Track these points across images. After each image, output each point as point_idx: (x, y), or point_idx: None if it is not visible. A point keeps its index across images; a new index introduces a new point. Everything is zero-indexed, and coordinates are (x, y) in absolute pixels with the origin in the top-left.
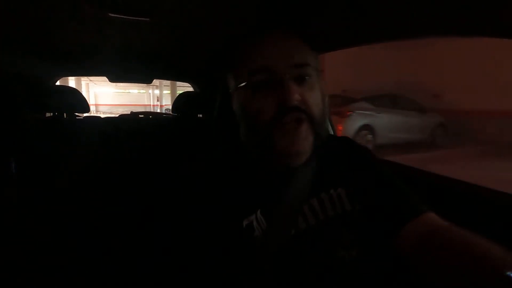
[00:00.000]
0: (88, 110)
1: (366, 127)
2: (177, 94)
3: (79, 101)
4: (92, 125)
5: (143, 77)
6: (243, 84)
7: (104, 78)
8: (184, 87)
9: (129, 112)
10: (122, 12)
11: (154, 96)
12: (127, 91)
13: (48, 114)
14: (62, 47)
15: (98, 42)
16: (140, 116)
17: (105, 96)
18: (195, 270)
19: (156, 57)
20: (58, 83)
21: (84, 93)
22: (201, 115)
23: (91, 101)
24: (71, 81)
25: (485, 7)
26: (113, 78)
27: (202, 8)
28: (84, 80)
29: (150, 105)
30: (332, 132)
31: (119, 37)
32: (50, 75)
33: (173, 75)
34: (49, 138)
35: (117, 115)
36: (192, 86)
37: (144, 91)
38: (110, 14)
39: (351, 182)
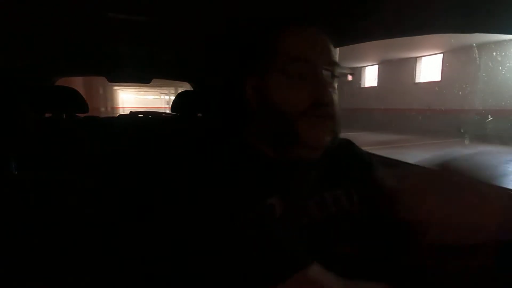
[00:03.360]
0: (87, 110)
1: None
2: None
3: (78, 102)
4: (91, 125)
5: (142, 76)
6: (276, 72)
7: (129, 85)
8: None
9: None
10: (121, 12)
11: (165, 101)
12: (145, 96)
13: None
14: (61, 47)
15: (97, 42)
16: (139, 115)
17: (129, 101)
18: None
19: (155, 56)
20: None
21: (115, 97)
22: (200, 114)
23: (119, 104)
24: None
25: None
26: (113, 78)
27: (202, 6)
28: (115, 87)
29: (162, 107)
30: None
31: (118, 37)
32: (49, 75)
33: (172, 75)
34: (49, 138)
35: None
36: (192, 86)
37: (158, 96)
38: (109, 14)
39: (349, 185)
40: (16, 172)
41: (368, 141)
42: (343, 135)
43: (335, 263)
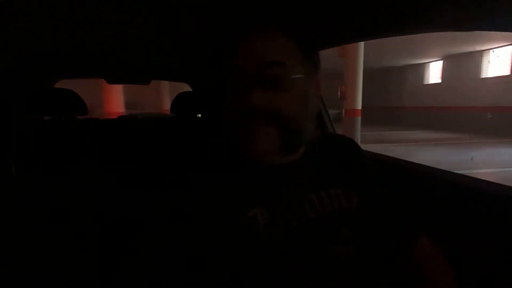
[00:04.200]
0: (86, 112)
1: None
2: None
3: (77, 104)
4: (91, 127)
5: (141, 77)
6: (221, 83)
7: None
8: None
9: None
10: (119, 13)
11: None
12: None
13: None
14: (59, 49)
15: (95, 44)
16: (139, 117)
17: None
18: (198, 263)
19: (153, 57)
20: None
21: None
22: (200, 115)
23: None
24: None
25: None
26: (111, 80)
27: (200, 7)
28: None
29: None
30: (331, 128)
31: (116, 39)
32: (48, 78)
33: (171, 76)
34: (48, 141)
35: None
36: (191, 87)
37: None
38: (107, 15)
39: (349, 185)
40: (16, 174)
41: (415, 138)
42: (395, 132)
43: (333, 263)
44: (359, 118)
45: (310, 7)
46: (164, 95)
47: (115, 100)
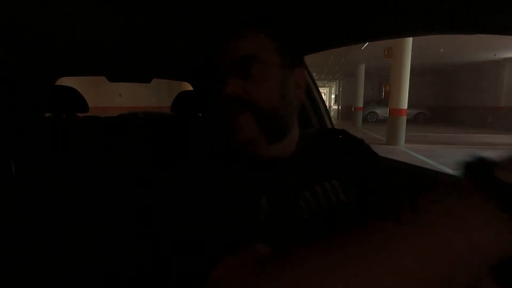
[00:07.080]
0: (86, 110)
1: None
2: None
3: (78, 101)
4: (91, 125)
5: (142, 76)
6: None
7: None
8: None
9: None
10: (120, 12)
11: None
12: None
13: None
14: (60, 47)
15: (96, 42)
16: (140, 115)
17: None
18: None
19: (154, 56)
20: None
21: None
22: (200, 114)
23: None
24: None
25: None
26: (112, 78)
27: (201, 6)
28: None
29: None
30: (330, 125)
31: (117, 37)
32: (48, 75)
33: (172, 74)
34: (48, 138)
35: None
36: (192, 85)
37: None
38: (108, 14)
39: (347, 175)
40: (15, 173)
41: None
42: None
43: None
44: (404, 118)
45: (297, 10)
46: None
47: None
